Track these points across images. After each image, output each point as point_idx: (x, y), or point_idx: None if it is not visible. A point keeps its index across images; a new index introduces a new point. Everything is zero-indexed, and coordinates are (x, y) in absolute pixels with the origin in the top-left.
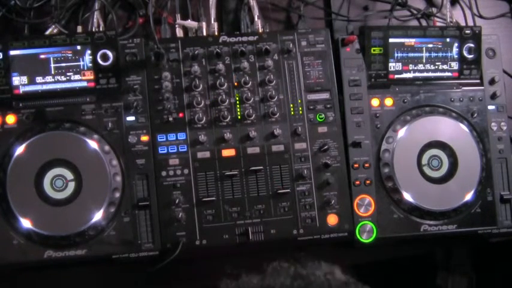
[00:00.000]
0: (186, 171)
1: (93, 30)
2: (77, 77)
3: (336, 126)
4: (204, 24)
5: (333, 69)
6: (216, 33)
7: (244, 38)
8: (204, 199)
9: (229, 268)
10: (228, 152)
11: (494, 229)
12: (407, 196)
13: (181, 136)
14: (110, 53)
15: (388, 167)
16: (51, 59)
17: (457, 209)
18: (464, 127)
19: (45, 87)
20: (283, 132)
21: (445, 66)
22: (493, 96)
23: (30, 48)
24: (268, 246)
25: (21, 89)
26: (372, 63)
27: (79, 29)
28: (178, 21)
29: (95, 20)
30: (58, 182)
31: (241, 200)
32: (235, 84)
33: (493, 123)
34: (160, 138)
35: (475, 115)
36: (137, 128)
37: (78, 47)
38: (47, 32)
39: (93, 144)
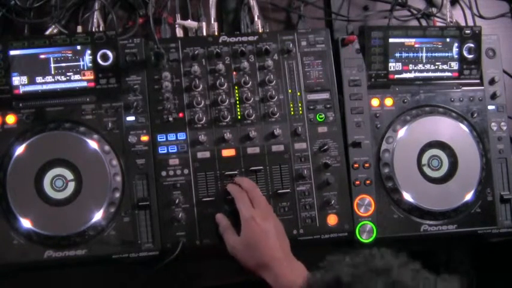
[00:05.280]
0: (186, 171)
1: (93, 30)
2: (77, 77)
3: (336, 126)
4: (204, 24)
5: (333, 69)
6: (216, 33)
7: (244, 38)
8: (204, 199)
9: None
10: (228, 152)
11: (494, 229)
12: (407, 196)
13: (181, 136)
14: (110, 53)
15: (388, 167)
16: (51, 59)
17: (457, 209)
18: (464, 127)
19: (45, 87)
20: (283, 132)
21: (445, 66)
22: (493, 96)
23: (30, 48)
24: None
25: (21, 89)
26: (372, 63)
27: (79, 29)
28: (178, 21)
29: (95, 20)
30: (58, 182)
31: None
32: (235, 84)
33: (493, 123)
34: (160, 138)
35: (475, 115)
36: (137, 128)
37: (78, 47)
38: (47, 32)
39: (93, 144)
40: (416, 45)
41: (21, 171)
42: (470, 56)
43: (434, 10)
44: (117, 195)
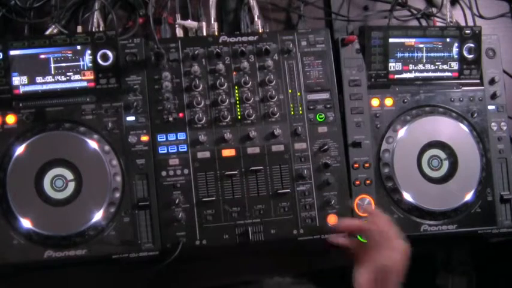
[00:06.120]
0: (186, 171)
1: (93, 30)
2: (77, 77)
3: (336, 126)
4: (204, 24)
5: (333, 69)
6: (216, 33)
7: (244, 38)
8: (204, 199)
9: None
10: (228, 152)
11: (494, 229)
12: (407, 196)
13: (181, 136)
14: (110, 53)
15: (388, 167)
16: (51, 59)
17: (457, 209)
18: (464, 127)
19: (45, 87)
20: (283, 132)
21: (445, 66)
22: (493, 96)
23: (30, 48)
24: (269, 246)
25: (21, 89)
26: (372, 63)
27: (79, 29)
28: (178, 21)
29: (95, 20)
30: (58, 182)
31: (241, 200)
32: (235, 84)
33: (493, 123)
34: (160, 138)
35: (475, 115)
36: (137, 128)
37: (78, 47)
38: (47, 32)
39: (93, 144)
40: (416, 45)
41: (21, 171)
42: (470, 56)
43: (434, 10)
44: (117, 195)
